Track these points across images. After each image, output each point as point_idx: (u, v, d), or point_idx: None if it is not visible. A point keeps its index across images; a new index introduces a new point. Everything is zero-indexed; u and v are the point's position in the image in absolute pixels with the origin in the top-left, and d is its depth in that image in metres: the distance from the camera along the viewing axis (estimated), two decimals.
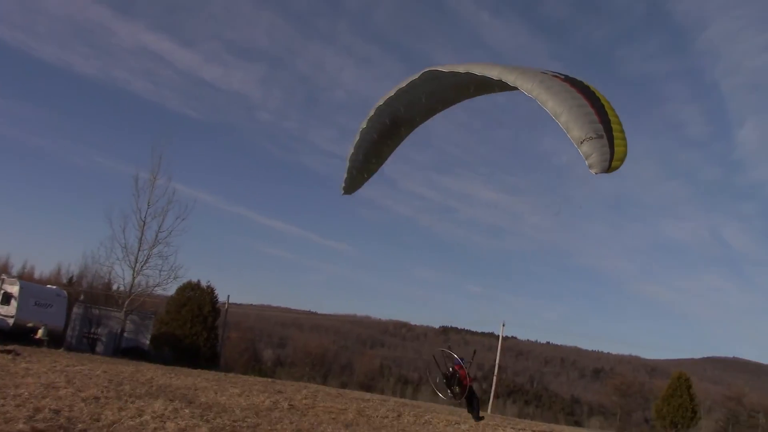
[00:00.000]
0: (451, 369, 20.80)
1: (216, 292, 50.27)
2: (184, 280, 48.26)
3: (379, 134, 11.77)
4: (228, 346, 64.94)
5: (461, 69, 10.10)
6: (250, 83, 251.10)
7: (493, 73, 9.88)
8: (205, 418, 12.54)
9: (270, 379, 30.57)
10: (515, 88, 9.77)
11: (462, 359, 20.90)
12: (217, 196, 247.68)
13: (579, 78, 10.32)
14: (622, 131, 9.68)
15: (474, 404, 19.80)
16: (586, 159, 9.30)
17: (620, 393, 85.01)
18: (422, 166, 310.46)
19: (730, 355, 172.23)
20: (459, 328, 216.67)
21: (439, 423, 17.21)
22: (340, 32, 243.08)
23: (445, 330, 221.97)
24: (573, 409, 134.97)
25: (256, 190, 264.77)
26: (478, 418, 18.80)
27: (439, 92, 11.05)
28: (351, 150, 12.10)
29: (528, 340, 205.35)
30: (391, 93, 10.95)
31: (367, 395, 27.60)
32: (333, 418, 15.78)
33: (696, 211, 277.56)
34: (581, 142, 9.29)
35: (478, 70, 9.96)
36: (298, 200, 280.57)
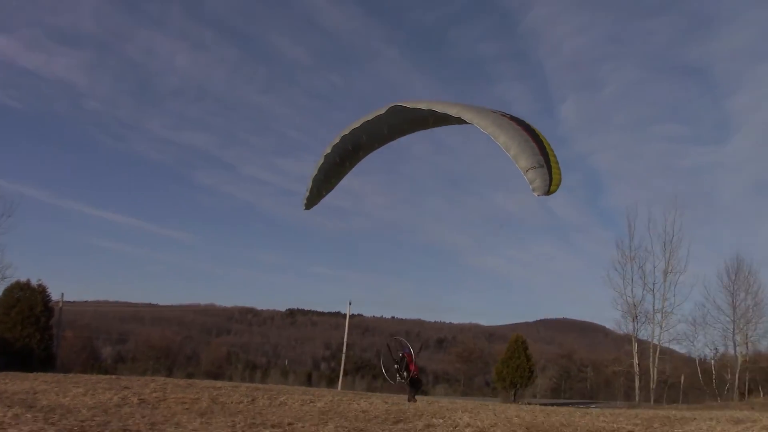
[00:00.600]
0: (400, 354, 23.23)
1: (48, 290, 47.40)
2: (12, 281, 45.41)
3: (341, 158, 13.29)
4: (64, 346, 61.39)
5: (424, 106, 11.60)
6: (75, 70, 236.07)
7: (453, 111, 11.46)
8: (50, 421, 11.89)
9: (114, 376, 29.28)
10: (469, 123, 11.33)
11: (407, 348, 23.48)
12: (45, 190, 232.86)
13: (521, 118, 12.39)
14: (557, 162, 11.63)
15: (415, 387, 22.78)
16: (531, 183, 11.11)
17: (463, 360, 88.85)
18: (263, 151, 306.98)
19: (561, 317, 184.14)
20: (306, 309, 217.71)
21: (294, 403, 17.27)
22: (171, 16, 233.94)
23: (292, 313, 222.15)
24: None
25: (86, 182, 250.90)
26: (412, 400, 20.86)
27: (400, 124, 12.52)
28: (314, 171, 13.60)
29: (374, 316, 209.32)
30: (357, 124, 12.35)
31: (218, 383, 27.16)
32: (186, 409, 15.45)
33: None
34: (527, 171, 11.07)
35: (439, 108, 11.42)
36: (133, 190, 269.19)
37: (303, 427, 12.39)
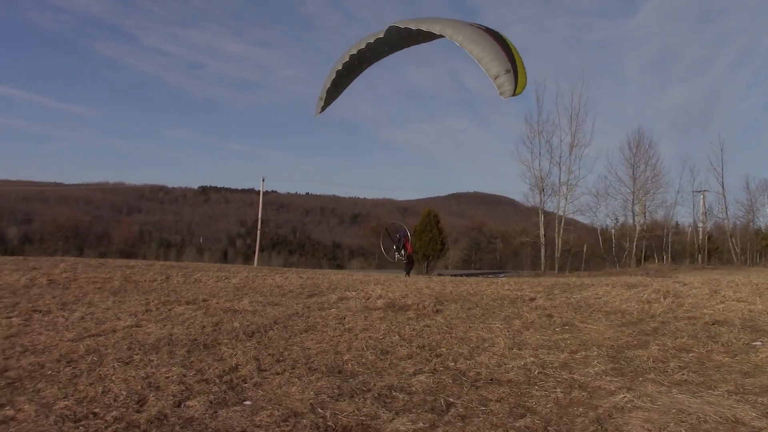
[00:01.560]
0: (398, 236, 28.48)
1: None
2: None
3: (347, 71, 15.33)
4: None
5: (413, 25, 13.44)
6: None
7: (436, 28, 13.25)
8: None
9: (21, 257, 28.56)
10: (450, 39, 12.98)
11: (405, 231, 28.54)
12: None
13: (494, 29, 13.75)
14: (524, 68, 13.12)
15: (410, 265, 28.03)
16: (499, 88, 12.36)
17: (376, 234, 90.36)
18: (165, 21, 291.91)
19: (472, 190, 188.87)
20: (219, 187, 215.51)
21: (209, 280, 17.37)
22: None
23: (204, 190, 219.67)
24: (335, 253, 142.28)
25: None
26: (407, 275, 24.31)
27: (396, 40, 14.43)
28: (326, 83, 15.47)
29: (288, 192, 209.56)
30: (362, 44, 14.38)
31: (131, 262, 26.92)
32: (98, 288, 15.34)
33: (437, 57, 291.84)
34: (496, 77, 12.40)
35: (425, 26, 13.35)
36: (26, 63, 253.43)
37: (218, 302, 12.53)
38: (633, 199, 57.24)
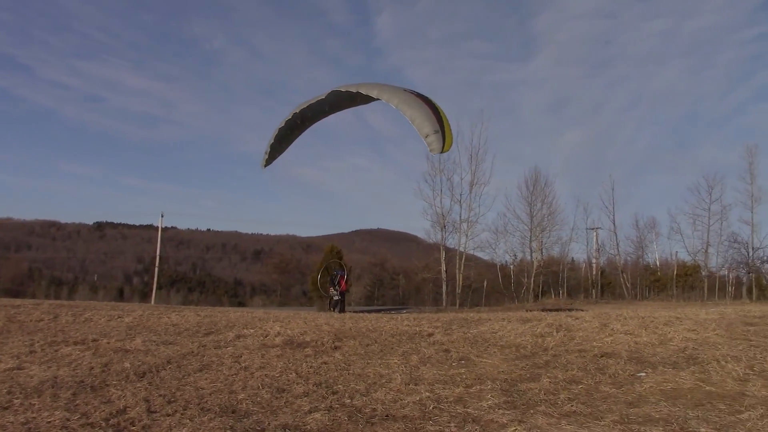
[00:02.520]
0: (336, 273, 31.60)
1: None
2: None
3: (291, 129, 16.96)
4: None
5: (353, 89, 15.11)
6: None
7: (374, 92, 15.09)
8: None
9: None
10: (387, 102, 14.76)
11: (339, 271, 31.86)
12: None
13: (424, 95, 15.74)
14: (450, 128, 15.04)
15: (341, 304, 31.35)
16: (429, 146, 14.20)
17: (279, 271, 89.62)
18: (62, 53, 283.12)
19: (375, 227, 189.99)
20: (116, 222, 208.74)
21: (100, 319, 16.65)
22: None
23: (100, 226, 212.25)
24: (236, 290, 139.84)
25: None
26: (338, 311, 27.41)
27: (336, 102, 16.09)
28: (270, 139, 17.11)
29: (189, 228, 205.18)
30: (305, 105, 16.03)
31: (17, 301, 25.52)
32: None
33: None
34: (427, 136, 14.21)
35: (364, 90, 15.04)
36: None
37: (108, 342, 12.03)
38: (530, 236, 59.02)
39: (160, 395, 7.81)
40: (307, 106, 16.40)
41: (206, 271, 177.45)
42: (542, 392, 7.73)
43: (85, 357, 10.51)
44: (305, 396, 7.81)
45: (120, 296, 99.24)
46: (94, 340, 12.32)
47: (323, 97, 16.03)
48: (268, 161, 18.24)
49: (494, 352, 10.63)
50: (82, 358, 10.45)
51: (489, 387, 8.07)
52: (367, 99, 15.91)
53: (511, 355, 10.35)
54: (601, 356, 9.81)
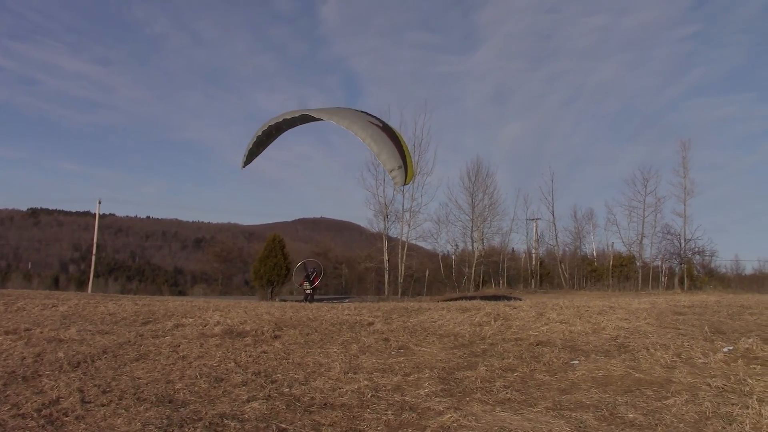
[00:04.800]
0: (312, 270, 35.99)
1: None
2: None
3: (266, 135, 19.76)
4: None
5: (325, 116, 18.10)
6: None
7: (344, 123, 17.40)
8: None
9: None
10: (354, 133, 17.27)
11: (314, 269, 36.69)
12: None
13: (388, 125, 18.92)
14: (411, 160, 17.96)
15: (311, 296, 34.35)
16: (393, 180, 17.02)
17: (221, 259, 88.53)
18: None
19: (318, 216, 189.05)
20: (51, 209, 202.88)
21: (34, 308, 16.23)
22: None
23: (34, 212, 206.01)
24: (177, 279, 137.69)
25: None
26: (308, 302, 28.41)
27: (307, 119, 18.94)
28: (249, 144, 19.99)
29: (127, 216, 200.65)
30: (279, 119, 18.80)
31: None
32: None
33: (286, 84, 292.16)
34: (391, 171, 16.78)
35: (335, 119, 17.68)
36: None
37: (42, 332, 11.76)
38: (472, 226, 59.58)
39: (95, 385, 7.70)
40: (282, 120, 18.92)
41: (146, 259, 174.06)
42: (479, 380, 7.88)
43: (17, 347, 10.26)
44: (243, 385, 7.79)
45: (55, 285, 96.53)
46: (26, 330, 12.01)
47: (297, 116, 18.76)
48: (247, 162, 20.77)
49: (433, 341, 10.76)
50: (13, 348, 10.20)
51: (427, 375, 8.18)
52: (336, 123, 18.04)
53: (450, 344, 10.50)
54: (537, 345, 10.04)
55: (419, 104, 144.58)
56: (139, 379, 8.15)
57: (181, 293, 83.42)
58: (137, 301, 19.70)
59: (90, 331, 12.10)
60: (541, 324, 11.78)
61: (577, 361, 8.73)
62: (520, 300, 22.94)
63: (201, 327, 12.40)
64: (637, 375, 7.85)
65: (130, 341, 10.94)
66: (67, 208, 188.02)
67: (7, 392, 7.34)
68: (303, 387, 7.66)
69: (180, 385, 7.77)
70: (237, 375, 8.31)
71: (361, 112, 19.24)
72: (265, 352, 9.96)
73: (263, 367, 8.84)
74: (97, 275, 66.31)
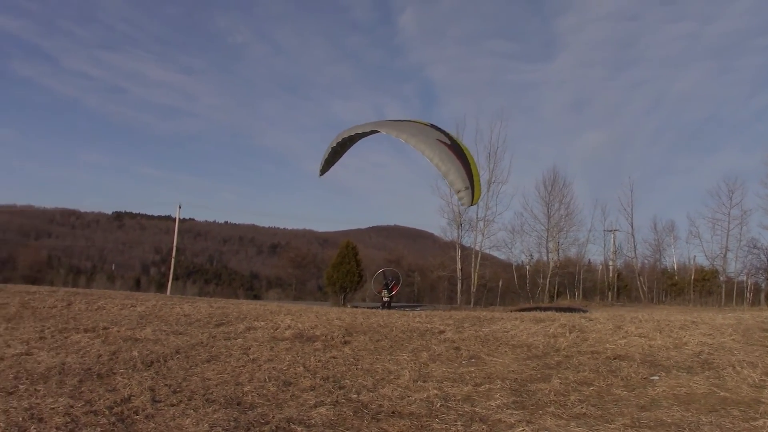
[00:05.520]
0: (391, 279, 36.47)
1: None
2: None
3: (340, 146, 20.06)
4: None
5: (394, 134, 17.83)
6: None
7: (412, 141, 17.43)
8: None
9: None
10: (421, 153, 17.44)
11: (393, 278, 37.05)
12: None
13: (457, 141, 18.82)
14: (479, 180, 17.91)
15: (388, 304, 34.41)
16: (461, 200, 17.48)
17: (295, 265, 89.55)
18: (87, 43, 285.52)
19: (392, 224, 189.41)
20: (134, 213, 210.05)
21: (113, 307, 16.69)
22: None
23: (119, 216, 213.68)
24: (252, 283, 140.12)
25: None
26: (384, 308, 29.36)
27: (375, 132, 18.71)
28: (325, 153, 20.33)
29: (206, 220, 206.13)
30: (351, 131, 18.95)
31: (33, 287, 25.67)
32: None
33: (362, 92, 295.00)
34: (458, 191, 17.02)
35: (404, 138, 17.52)
36: None
37: (119, 331, 12.04)
38: (547, 237, 58.67)
39: (166, 385, 7.77)
40: (355, 134, 19.33)
41: (223, 263, 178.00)
42: (552, 393, 7.60)
43: (95, 345, 10.51)
44: (312, 390, 7.73)
45: (137, 286, 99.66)
46: (104, 328, 12.32)
47: (368, 130, 18.94)
48: (324, 171, 21.27)
49: (505, 351, 10.50)
50: (91, 345, 10.45)
51: (498, 386, 7.95)
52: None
53: (523, 354, 10.22)
54: (614, 358, 9.66)
55: (495, 113, 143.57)
56: (209, 380, 8.20)
57: (256, 297, 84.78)
58: (212, 304, 20.03)
59: (165, 331, 12.31)
60: (618, 337, 11.35)
61: (657, 377, 8.34)
62: (585, 311, 22.46)
63: (272, 330, 12.46)
64: (722, 393, 7.43)
65: (202, 342, 11.07)
66: (149, 212, 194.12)
67: (82, 389, 7.47)
68: (371, 394, 7.54)
69: (249, 387, 7.77)
70: (305, 379, 8.26)
71: (431, 126, 19.16)
72: (334, 357, 9.90)
73: (332, 373, 8.76)
74: (176, 278, 67.99)
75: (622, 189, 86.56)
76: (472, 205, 18.12)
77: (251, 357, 9.77)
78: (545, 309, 24.90)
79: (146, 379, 8.03)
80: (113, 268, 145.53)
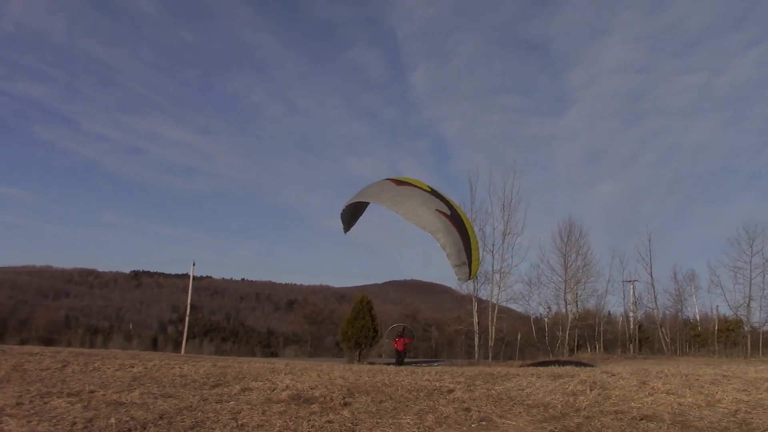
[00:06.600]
0: (400, 332, 35.85)
1: None
2: None
3: (351, 210, 20.39)
4: None
5: (390, 204, 17.96)
6: None
7: (412, 220, 17.44)
8: None
9: None
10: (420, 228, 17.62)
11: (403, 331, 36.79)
12: None
13: (457, 211, 18.44)
14: (478, 255, 18.13)
15: (401, 358, 33.91)
16: (456, 275, 17.41)
17: (311, 321, 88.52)
18: (106, 106, 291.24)
19: (409, 278, 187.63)
20: (152, 271, 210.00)
21: (108, 369, 15.90)
22: None
23: (136, 275, 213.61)
24: (269, 340, 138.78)
25: None
26: (398, 365, 28.83)
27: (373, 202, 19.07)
28: (342, 214, 20.37)
29: (223, 278, 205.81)
30: (355, 200, 19.29)
31: (36, 348, 24.98)
32: None
33: (376, 148, 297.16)
34: (455, 266, 17.01)
35: (397, 207, 17.78)
36: None
37: (104, 394, 11.20)
38: (565, 288, 57.45)
39: None
40: (359, 202, 19.79)
41: (240, 320, 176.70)
42: None
43: (72, 411, 9.67)
44: None
45: (154, 345, 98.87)
46: (90, 392, 11.51)
47: (365, 201, 19.56)
48: (347, 229, 21.47)
49: (520, 412, 9.56)
50: (68, 412, 9.61)
51: None
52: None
53: (539, 416, 9.28)
54: (641, 419, 8.70)
55: (508, 165, 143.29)
56: None
57: (273, 354, 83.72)
58: (217, 363, 19.22)
59: (154, 394, 11.47)
60: (644, 394, 10.39)
61: None
62: (590, 366, 21.58)
63: (268, 392, 11.59)
64: None
65: (191, 406, 10.21)
66: (167, 271, 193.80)
67: None
68: None
69: None
70: None
71: (431, 192, 18.97)
72: (330, 421, 9.00)
73: None
74: (193, 336, 67.31)
75: (639, 239, 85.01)
76: (469, 279, 18.78)
77: (239, 423, 8.90)
78: (548, 363, 24.22)
79: None
80: (130, 327, 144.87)
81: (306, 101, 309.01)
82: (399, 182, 19.37)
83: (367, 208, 21.26)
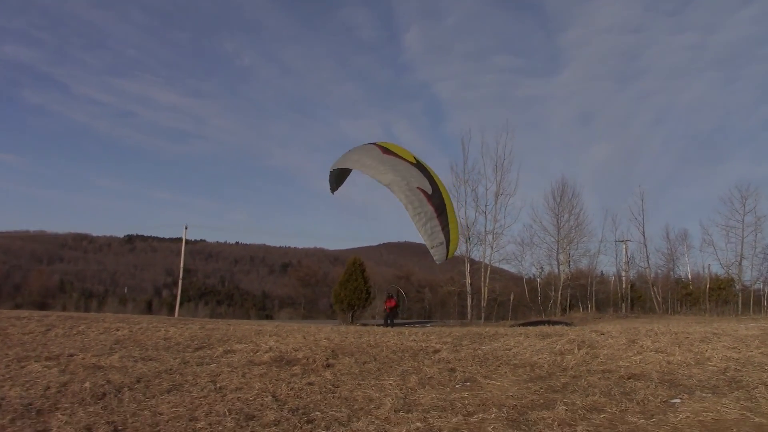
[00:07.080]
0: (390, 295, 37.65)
1: None
2: None
3: (338, 172, 20.30)
4: None
5: (371, 171, 17.84)
6: None
7: (394, 188, 17.25)
8: None
9: None
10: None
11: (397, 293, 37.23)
12: None
13: (439, 187, 18.25)
14: (457, 234, 18.03)
15: (389, 319, 34.28)
16: (434, 256, 17.49)
17: (305, 284, 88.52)
18: (96, 70, 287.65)
19: (403, 240, 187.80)
20: (145, 235, 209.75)
21: (92, 332, 15.66)
22: None
23: (130, 239, 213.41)
24: (264, 303, 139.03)
25: None
26: (386, 326, 28.01)
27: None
28: (329, 176, 20.52)
29: (217, 241, 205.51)
30: (340, 165, 19.25)
31: (24, 312, 24.68)
32: None
33: (370, 110, 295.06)
34: (432, 247, 16.99)
35: (379, 175, 17.62)
36: None
37: (84, 358, 10.98)
38: (557, 248, 57.31)
39: (108, 422, 6.71)
40: (338, 168, 19.84)
41: (234, 283, 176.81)
42: (556, 423, 6.45)
43: (48, 375, 9.44)
44: (275, 425, 6.63)
45: (149, 308, 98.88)
46: (70, 356, 11.29)
47: (351, 168, 19.57)
48: (333, 189, 21.51)
49: (505, 372, 9.36)
50: (43, 376, 9.38)
51: (493, 416, 6.81)
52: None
53: (525, 375, 9.08)
54: (629, 378, 8.50)
55: (501, 125, 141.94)
56: (160, 414, 7.12)
57: (268, 317, 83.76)
58: (205, 325, 19.01)
59: (134, 357, 11.25)
60: (632, 353, 10.19)
61: (678, 400, 7.17)
62: (570, 324, 21.77)
63: (251, 354, 11.37)
64: (756, 419, 6.26)
65: (170, 369, 9.99)
66: (161, 235, 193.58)
67: (9, 429, 6.42)
68: (343, 429, 6.44)
69: (203, 423, 6.69)
70: (271, 412, 7.16)
71: (416, 165, 18.73)
72: (311, 383, 8.78)
73: (304, 402, 7.66)
74: (188, 299, 67.27)
75: (632, 199, 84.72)
76: (446, 260, 18.74)
77: (218, 386, 8.68)
78: (537, 323, 24.29)
79: (90, 415, 6.98)
80: (125, 291, 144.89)
81: (298, 63, 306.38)
82: (386, 150, 18.98)
83: (352, 171, 21.01)
